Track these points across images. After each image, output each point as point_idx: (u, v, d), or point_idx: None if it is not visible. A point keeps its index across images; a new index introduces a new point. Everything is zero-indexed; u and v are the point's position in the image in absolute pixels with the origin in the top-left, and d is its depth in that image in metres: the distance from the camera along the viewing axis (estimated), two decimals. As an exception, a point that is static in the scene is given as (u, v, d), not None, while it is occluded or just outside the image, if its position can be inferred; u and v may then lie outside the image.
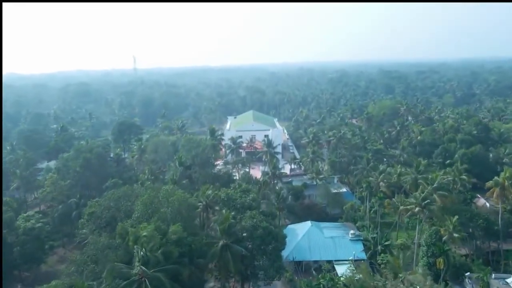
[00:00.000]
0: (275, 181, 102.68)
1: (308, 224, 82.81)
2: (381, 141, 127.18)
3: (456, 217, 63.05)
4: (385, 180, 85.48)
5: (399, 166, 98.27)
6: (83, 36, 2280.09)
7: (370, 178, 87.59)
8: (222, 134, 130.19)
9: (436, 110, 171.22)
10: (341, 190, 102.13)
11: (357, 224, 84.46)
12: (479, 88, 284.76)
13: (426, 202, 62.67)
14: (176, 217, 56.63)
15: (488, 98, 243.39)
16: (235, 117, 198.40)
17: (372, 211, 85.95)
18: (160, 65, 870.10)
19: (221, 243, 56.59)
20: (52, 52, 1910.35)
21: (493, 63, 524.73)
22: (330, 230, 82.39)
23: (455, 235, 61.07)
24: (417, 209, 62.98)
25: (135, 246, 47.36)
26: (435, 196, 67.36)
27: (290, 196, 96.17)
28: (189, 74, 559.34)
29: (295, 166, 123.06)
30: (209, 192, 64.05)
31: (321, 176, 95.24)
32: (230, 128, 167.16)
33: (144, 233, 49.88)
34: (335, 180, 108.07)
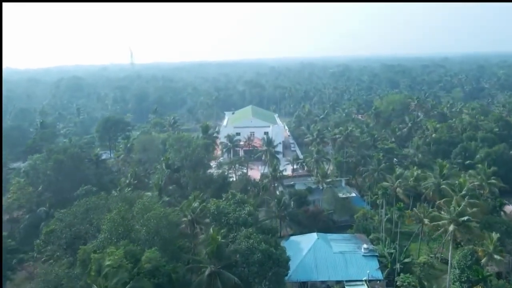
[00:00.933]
0: (275, 184, 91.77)
1: (313, 236, 71.59)
2: (393, 139, 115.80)
3: (498, 235, 51.75)
4: (402, 185, 74.26)
5: (414, 167, 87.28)
6: (82, 30, 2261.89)
7: (385, 183, 76.34)
8: (217, 132, 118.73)
9: (448, 105, 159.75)
10: (350, 195, 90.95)
11: (370, 236, 73.28)
12: (488, 82, 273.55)
13: (465, 219, 50.88)
14: (153, 238, 45.50)
15: (499, 92, 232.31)
16: (233, 113, 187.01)
17: (386, 219, 74.87)
18: (159, 60, 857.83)
19: (208, 269, 45.53)
20: (50, 47, 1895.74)
21: (497, 57, 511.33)
22: (339, 243, 71.18)
23: (496, 257, 49.83)
24: (451, 227, 51.36)
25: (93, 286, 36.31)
26: (466, 207, 55.79)
27: (292, 202, 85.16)
28: (187, 69, 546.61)
29: (297, 166, 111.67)
30: (196, 204, 52.74)
31: (328, 180, 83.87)
32: (227, 124, 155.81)
33: (109, 262, 38.87)
34: (343, 183, 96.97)
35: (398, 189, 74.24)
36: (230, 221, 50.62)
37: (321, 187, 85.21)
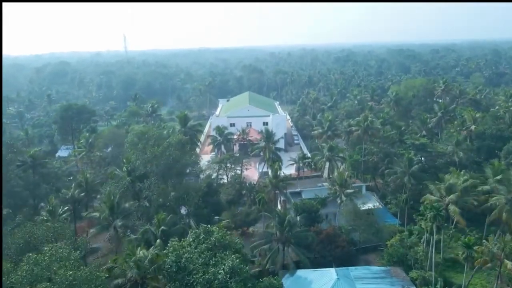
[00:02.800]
0: (276, 192, 70.08)
1: (331, 274, 50.08)
2: (423, 132, 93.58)
3: None
4: (457, 201, 52.44)
5: (462, 172, 65.40)
6: (79, 17, 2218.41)
7: (431, 197, 54.41)
8: (199, 125, 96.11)
9: (477, 91, 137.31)
10: (375, 206, 69.25)
11: (411, 274, 51.69)
12: (508, 67, 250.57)
13: None
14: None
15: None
16: (228, 100, 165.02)
17: (424, 242, 53.45)
18: (157, 47, 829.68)
19: None
20: (47, 34, 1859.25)
21: (506, 43, 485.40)
22: (368, 285, 49.72)
23: None
24: None
25: None
26: None
27: (299, 218, 63.62)
28: (184, 55, 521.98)
29: (303, 165, 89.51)
30: (141, 253, 30.86)
31: (348, 191, 61.99)
32: (220, 113, 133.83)
33: None
34: (363, 190, 75.14)
35: (451, 206, 52.29)
36: (198, 286, 28.74)
37: (339, 201, 63.12)
